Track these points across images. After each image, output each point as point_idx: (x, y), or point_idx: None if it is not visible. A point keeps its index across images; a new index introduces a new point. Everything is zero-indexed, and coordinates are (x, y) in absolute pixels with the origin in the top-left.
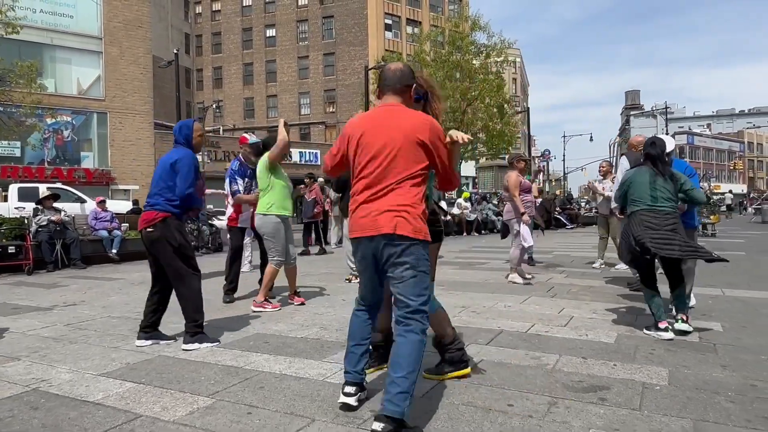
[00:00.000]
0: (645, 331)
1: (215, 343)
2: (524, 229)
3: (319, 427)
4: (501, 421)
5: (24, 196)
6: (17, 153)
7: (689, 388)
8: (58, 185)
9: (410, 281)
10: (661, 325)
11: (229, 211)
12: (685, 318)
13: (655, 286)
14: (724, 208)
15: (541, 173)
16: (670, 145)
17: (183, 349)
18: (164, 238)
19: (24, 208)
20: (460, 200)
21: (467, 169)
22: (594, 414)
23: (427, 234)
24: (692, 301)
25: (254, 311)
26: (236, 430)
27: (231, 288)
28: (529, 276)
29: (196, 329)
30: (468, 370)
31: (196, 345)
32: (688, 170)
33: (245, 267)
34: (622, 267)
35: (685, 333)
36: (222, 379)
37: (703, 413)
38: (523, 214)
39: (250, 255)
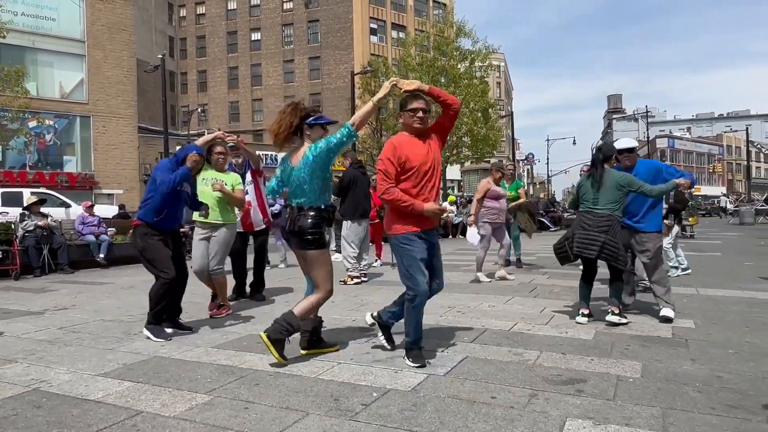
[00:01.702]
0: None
1: (161, 340)
2: (470, 232)
3: (313, 420)
4: (485, 411)
5: (7, 200)
6: None
7: (660, 379)
8: (42, 190)
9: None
10: (583, 311)
11: None
12: (616, 311)
13: (590, 283)
14: (724, 204)
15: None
16: (622, 144)
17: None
18: (133, 244)
19: (8, 212)
20: (446, 204)
21: (452, 172)
22: (571, 404)
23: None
24: (670, 313)
25: (212, 316)
26: (235, 424)
27: (238, 288)
28: (506, 277)
29: (152, 318)
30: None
31: (147, 333)
32: (667, 167)
33: (282, 265)
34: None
35: (614, 324)
36: (218, 377)
37: (671, 402)
38: (469, 216)
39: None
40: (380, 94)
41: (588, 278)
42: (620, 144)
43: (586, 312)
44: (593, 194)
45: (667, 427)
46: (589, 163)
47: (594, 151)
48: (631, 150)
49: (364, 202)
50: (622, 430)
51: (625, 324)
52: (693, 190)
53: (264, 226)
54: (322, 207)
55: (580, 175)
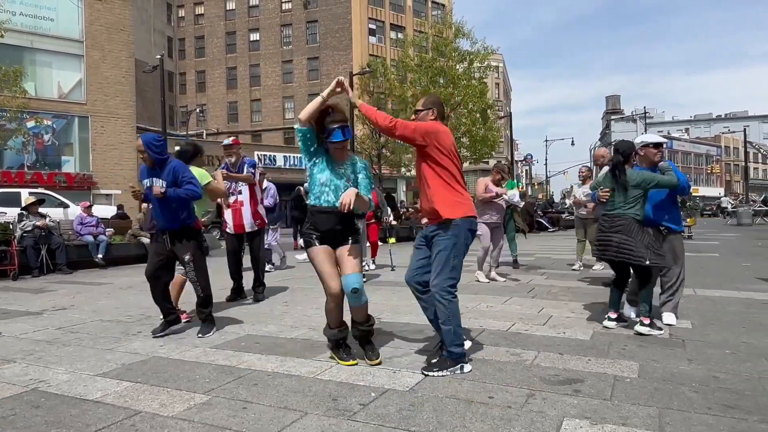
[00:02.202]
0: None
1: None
2: (510, 193)
3: (311, 420)
4: (482, 411)
5: (5, 201)
6: None
7: (657, 379)
8: (40, 190)
9: None
10: (611, 315)
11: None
12: (645, 321)
13: (621, 288)
14: (725, 205)
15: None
16: (649, 138)
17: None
18: None
19: (5, 213)
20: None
21: None
22: (568, 404)
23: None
24: (671, 319)
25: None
26: (233, 424)
27: (235, 289)
28: (498, 278)
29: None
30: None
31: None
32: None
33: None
34: (599, 268)
35: (642, 334)
36: (216, 377)
37: (668, 402)
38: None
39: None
40: (328, 89)
41: (618, 283)
42: (648, 138)
43: (614, 316)
44: (610, 198)
45: (663, 426)
46: (610, 167)
47: (612, 153)
48: (661, 145)
49: None
50: (619, 430)
51: (660, 334)
52: (692, 190)
53: (257, 228)
54: (313, 204)
55: (579, 175)
